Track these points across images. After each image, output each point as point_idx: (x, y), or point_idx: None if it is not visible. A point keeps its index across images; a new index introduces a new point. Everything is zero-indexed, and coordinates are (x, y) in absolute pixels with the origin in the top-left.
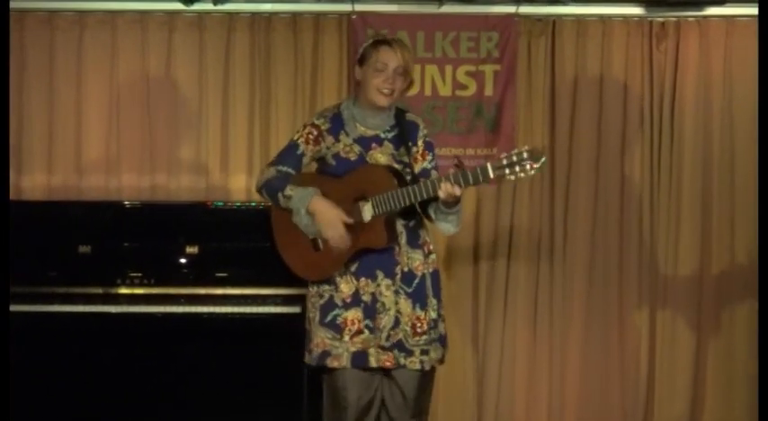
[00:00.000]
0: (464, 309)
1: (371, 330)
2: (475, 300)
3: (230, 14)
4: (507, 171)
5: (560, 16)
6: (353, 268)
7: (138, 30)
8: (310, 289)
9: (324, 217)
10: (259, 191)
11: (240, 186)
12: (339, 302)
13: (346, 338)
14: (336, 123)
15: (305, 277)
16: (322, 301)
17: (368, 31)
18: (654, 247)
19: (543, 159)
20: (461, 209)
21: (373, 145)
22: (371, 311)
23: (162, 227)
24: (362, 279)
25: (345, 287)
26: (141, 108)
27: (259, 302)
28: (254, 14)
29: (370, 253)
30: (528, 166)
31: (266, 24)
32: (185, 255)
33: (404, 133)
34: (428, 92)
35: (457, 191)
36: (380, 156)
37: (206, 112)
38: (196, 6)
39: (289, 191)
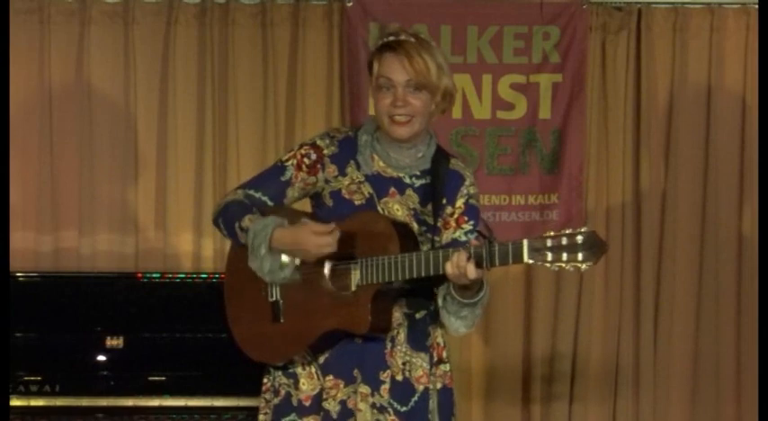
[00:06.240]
0: (512, 403)
1: None
2: (525, 386)
3: (170, 0)
4: (550, 256)
5: (649, 3)
6: (322, 359)
7: (34, 22)
8: (265, 380)
9: (295, 241)
10: (215, 221)
11: (185, 250)
12: (295, 403)
13: None
14: (346, 150)
15: (250, 355)
16: (277, 400)
17: (370, 25)
18: None
19: (602, 255)
20: (484, 301)
21: (391, 189)
22: None
23: (70, 309)
24: (330, 377)
25: (307, 384)
26: (39, 136)
27: (213, 419)
28: (204, 0)
29: (349, 341)
30: (580, 257)
31: (223, 14)
32: (104, 351)
33: (439, 185)
34: (457, 113)
35: (472, 272)
36: (397, 207)
37: (134, 141)
38: None
39: (246, 221)
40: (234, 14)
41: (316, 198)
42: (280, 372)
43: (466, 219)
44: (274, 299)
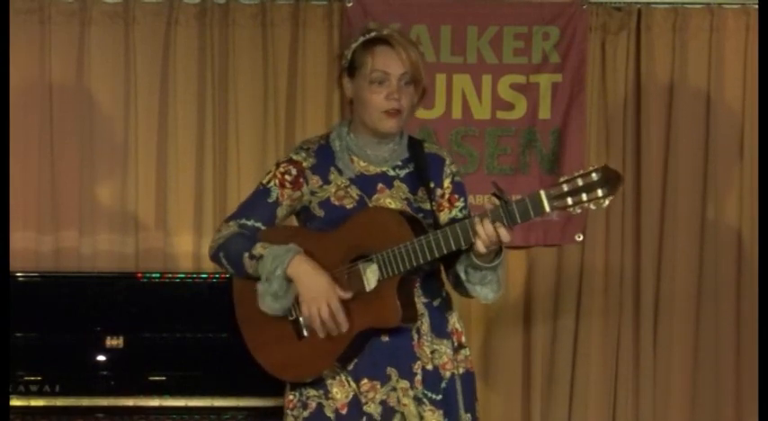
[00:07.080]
0: (511, 399)
1: None
2: (525, 386)
3: (170, 0)
4: (570, 201)
5: (648, 3)
6: (351, 365)
7: (34, 23)
8: (289, 396)
9: (309, 285)
10: (214, 257)
11: (185, 250)
12: (331, 414)
13: None
14: (324, 158)
15: (282, 377)
16: (306, 413)
17: (369, 25)
18: None
19: (620, 186)
20: (504, 263)
21: (379, 186)
22: None
23: (70, 309)
24: (365, 380)
25: (340, 392)
26: (40, 136)
27: (213, 419)
28: (204, 0)
29: (373, 341)
30: (600, 193)
31: (223, 14)
32: (105, 351)
33: (423, 170)
34: (457, 114)
35: (505, 234)
36: (390, 201)
37: (134, 141)
38: None
39: (259, 249)
40: (234, 14)
41: (304, 212)
42: (307, 385)
43: (456, 196)
44: (294, 317)
